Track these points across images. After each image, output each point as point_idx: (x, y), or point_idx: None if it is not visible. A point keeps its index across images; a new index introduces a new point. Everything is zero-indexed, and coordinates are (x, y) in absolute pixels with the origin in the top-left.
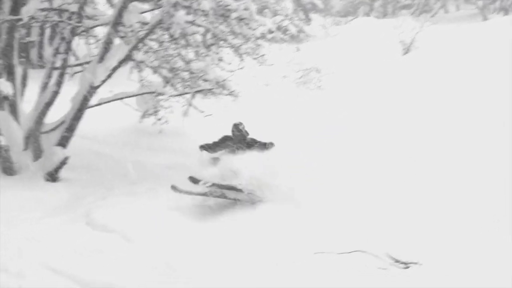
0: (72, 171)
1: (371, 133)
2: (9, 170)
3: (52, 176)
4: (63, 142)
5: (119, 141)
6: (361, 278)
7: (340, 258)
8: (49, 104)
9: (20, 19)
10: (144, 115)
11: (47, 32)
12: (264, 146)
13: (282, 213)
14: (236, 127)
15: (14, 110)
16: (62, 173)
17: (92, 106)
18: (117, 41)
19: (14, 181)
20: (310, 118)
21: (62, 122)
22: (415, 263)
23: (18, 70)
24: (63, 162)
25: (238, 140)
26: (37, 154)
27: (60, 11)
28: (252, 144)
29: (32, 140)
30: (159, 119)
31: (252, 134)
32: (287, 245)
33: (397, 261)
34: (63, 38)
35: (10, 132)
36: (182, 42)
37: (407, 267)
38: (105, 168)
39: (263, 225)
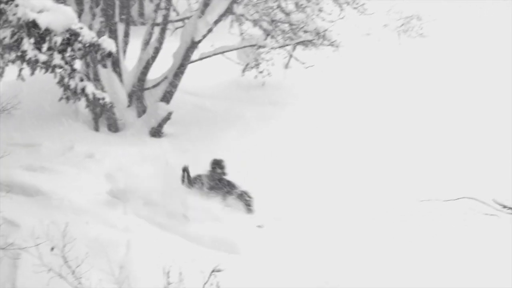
0: (175, 126)
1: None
2: (114, 127)
3: (156, 132)
4: (166, 97)
5: (221, 95)
6: (469, 223)
7: (446, 205)
8: (151, 60)
9: None
10: (246, 68)
11: None
12: (244, 198)
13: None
14: (218, 163)
15: (117, 68)
16: (166, 128)
17: (193, 61)
18: None
19: (119, 138)
20: (410, 68)
21: (165, 78)
22: None
23: (120, 28)
24: (167, 118)
25: (214, 178)
26: (141, 110)
27: None
28: (229, 189)
29: (136, 96)
30: (261, 72)
31: (352, 88)
32: (391, 195)
33: (505, 206)
34: None
35: (114, 89)
36: None
37: None
38: (208, 122)
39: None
